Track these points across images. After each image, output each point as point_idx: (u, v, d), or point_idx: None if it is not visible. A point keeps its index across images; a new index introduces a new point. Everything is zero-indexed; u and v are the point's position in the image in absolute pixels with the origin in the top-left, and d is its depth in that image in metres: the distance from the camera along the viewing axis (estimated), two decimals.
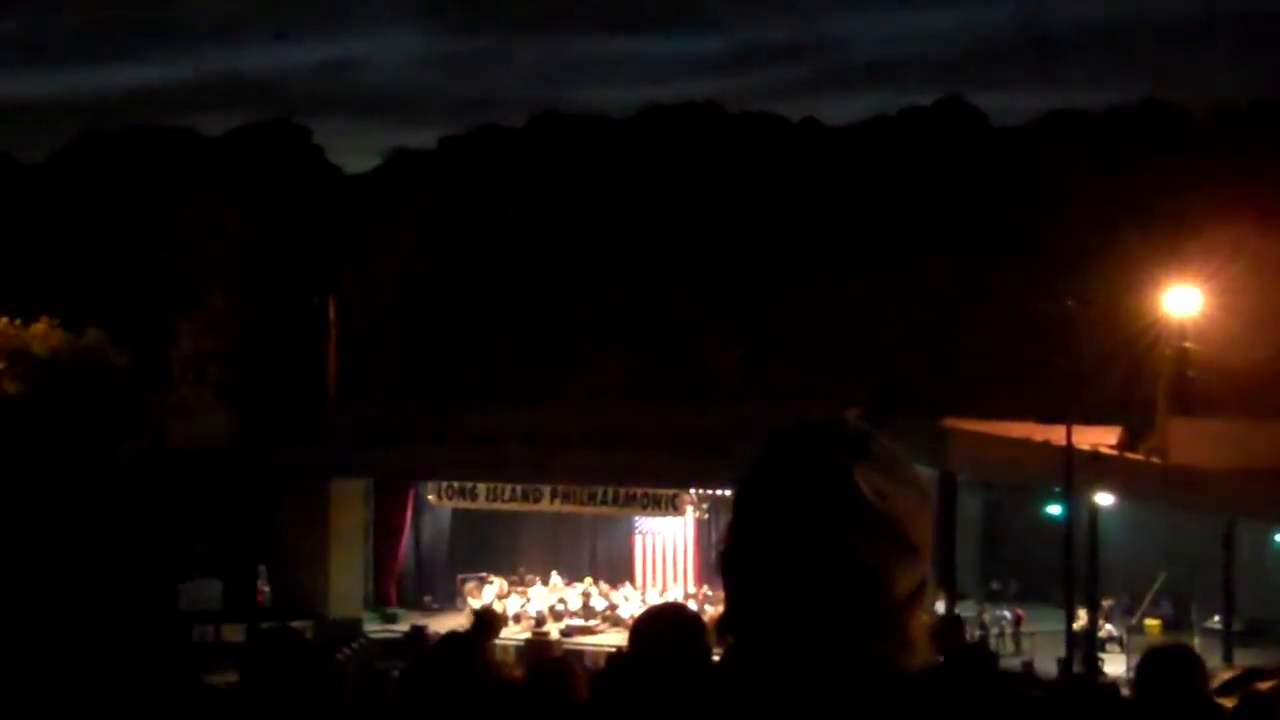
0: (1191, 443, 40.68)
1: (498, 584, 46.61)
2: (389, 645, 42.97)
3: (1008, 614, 41.72)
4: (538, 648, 39.49)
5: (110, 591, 40.86)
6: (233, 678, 6.13)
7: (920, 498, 2.33)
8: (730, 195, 55.92)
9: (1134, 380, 44.35)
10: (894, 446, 2.36)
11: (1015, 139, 57.27)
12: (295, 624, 26.88)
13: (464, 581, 47.27)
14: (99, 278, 55.54)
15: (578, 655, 32.57)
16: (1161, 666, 5.94)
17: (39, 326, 51.85)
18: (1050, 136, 55.36)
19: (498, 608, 44.65)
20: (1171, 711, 5.76)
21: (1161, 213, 48.24)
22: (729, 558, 2.37)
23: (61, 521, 44.09)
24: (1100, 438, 40.65)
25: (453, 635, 8.20)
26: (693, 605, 43.09)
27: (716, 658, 2.47)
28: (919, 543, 2.30)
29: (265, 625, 29.12)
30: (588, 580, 46.73)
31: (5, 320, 51.69)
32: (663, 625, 4.91)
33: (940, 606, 36.84)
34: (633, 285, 55.18)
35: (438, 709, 7.12)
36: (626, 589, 46.24)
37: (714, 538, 44.84)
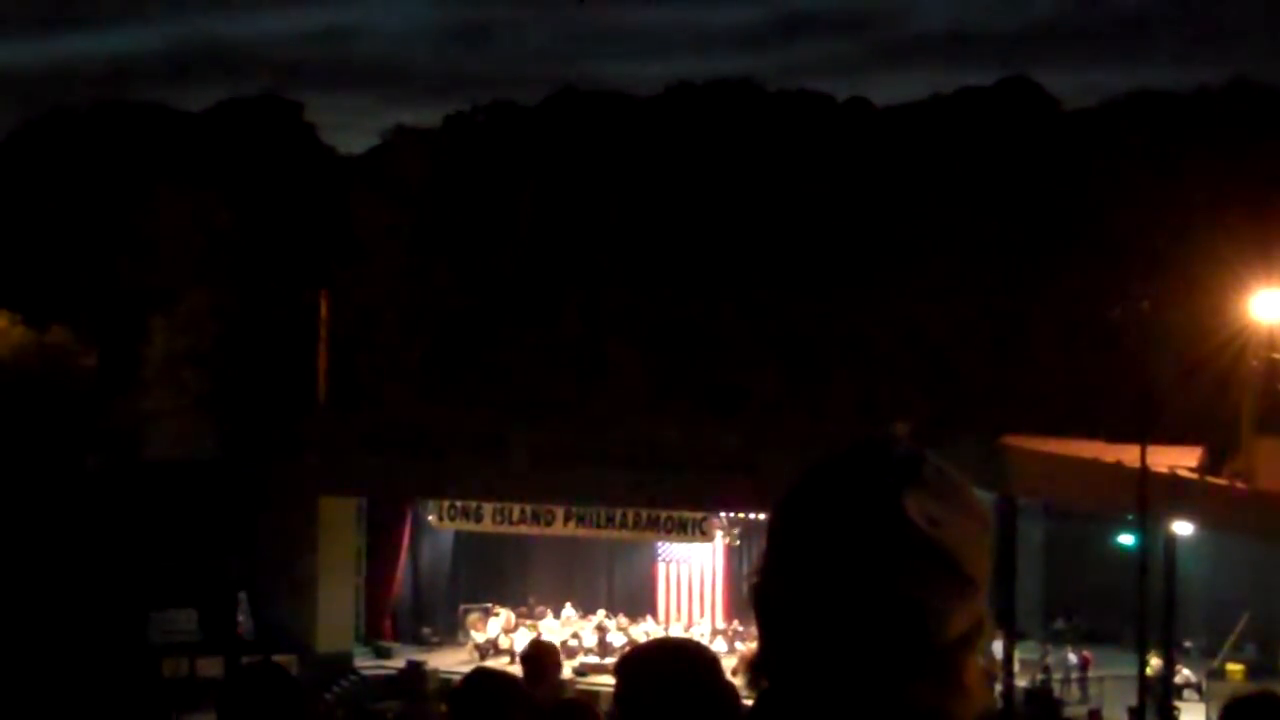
0: None
1: (504, 616, 46.64)
2: (383, 683, 43.06)
3: (1073, 656, 41.63)
4: None
5: (73, 620, 40.94)
6: (209, 718, 6.14)
7: (978, 526, 2.33)
8: (767, 183, 55.87)
9: (1217, 395, 44.22)
10: (948, 468, 2.36)
11: (1086, 123, 57.09)
12: (279, 658, 26.96)
13: (467, 613, 47.32)
14: (65, 270, 55.69)
15: (592, 697, 32.58)
16: (1248, 717, 5.89)
17: None
18: (1125, 120, 55.19)
19: (504, 642, 44.75)
20: None
21: (1250, 207, 48.08)
22: (762, 590, 2.37)
23: (20, 540, 44.18)
24: (1179, 459, 40.54)
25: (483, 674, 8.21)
26: (721, 642, 43.16)
27: (749, 702, 2.47)
28: (975, 576, 2.29)
29: (245, 660, 29.21)
30: (604, 613, 46.74)
31: None
32: (654, 668, 4.84)
33: (998, 648, 36.79)
34: (657, 283, 55.17)
35: None
36: (648, 623, 46.23)
37: (746, 567, 44.82)
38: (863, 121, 60.44)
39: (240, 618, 45.39)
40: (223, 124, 62.62)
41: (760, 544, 2.45)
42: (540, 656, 9.82)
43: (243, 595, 45.66)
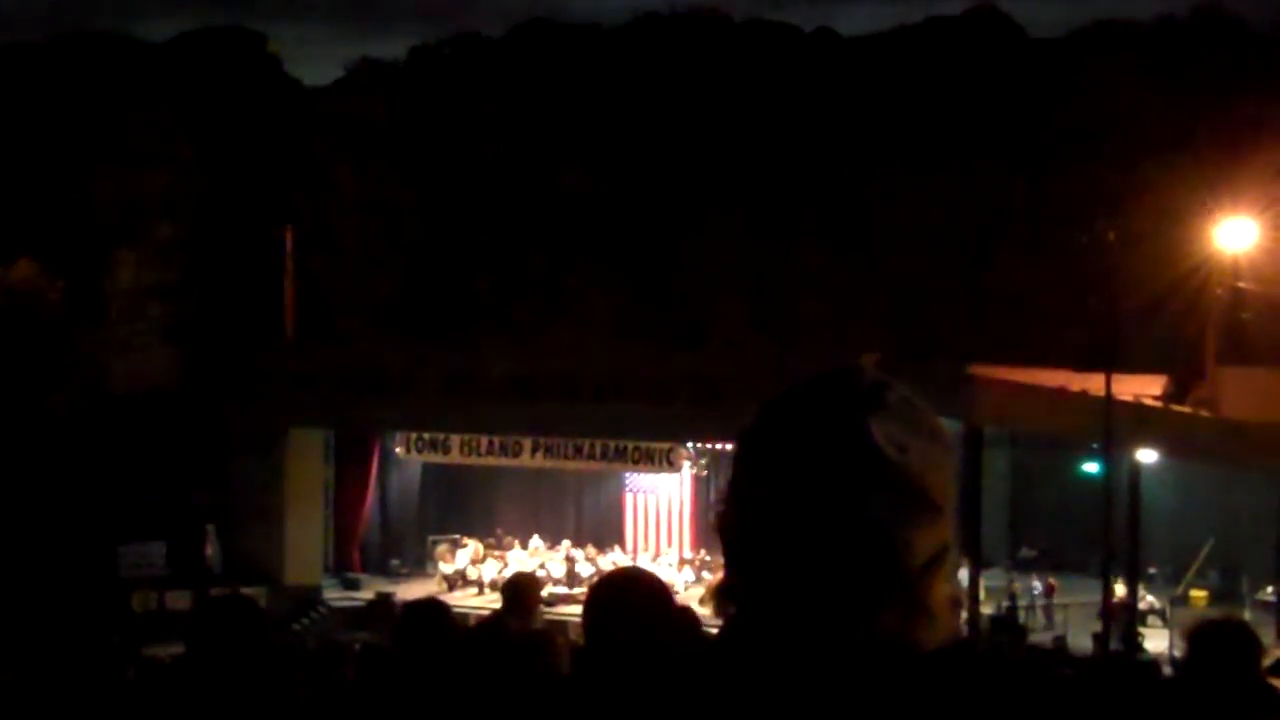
0: (1244, 394, 40.79)
1: (472, 547, 46.71)
2: (351, 615, 43.13)
3: (1038, 584, 41.88)
4: None
5: (40, 554, 40.89)
6: (178, 650, 6.14)
7: (943, 452, 2.33)
8: (734, 115, 55.75)
9: (1181, 324, 44.41)
10: (913, 396, 2.36)
11: (1053, 52, 57.03)
12: (247, 590, 26.97)
13: (435, 544, 47.38)
14: (28, 204, 55.33)
15: (560, 627, 32.67)
16: (1212, 642, 5.91)
17: None
18: (1092, 50, 55.13)
19: (472, 573, 44.88)
20: (1221, 693, 5.76)
21: (1215, 135, 48.15)
22: (728, 519, 2.36)
23: None
24: (1143, 387, 40.75)
25: (421, 605, 8.21)
26: (689, 571, 43.33)
27: (714, 630, 2.46)
28: (941, 502, 2.29)
29: (214, 592, 29.21)
30: (571, 543, 46.83)
31: None
32: (618, 594, 4.88)
33: (964, 576, 36.97)
34: (624, 215, 55.09)
35: (406, 684, 7.14)
36: (616, 553, 46.33)
37: (713, 497, 44.91)
38: (829, 52, 60.30)
39: (208, 550, 45.39)
40: (185, 55, 62.17)
41: (726, 474, 2.45)
42: (521, 588, 9.83)
43: (210, 528, 45.62)
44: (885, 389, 2.33)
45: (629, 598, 4.75)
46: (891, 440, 2.25)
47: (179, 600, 39.04)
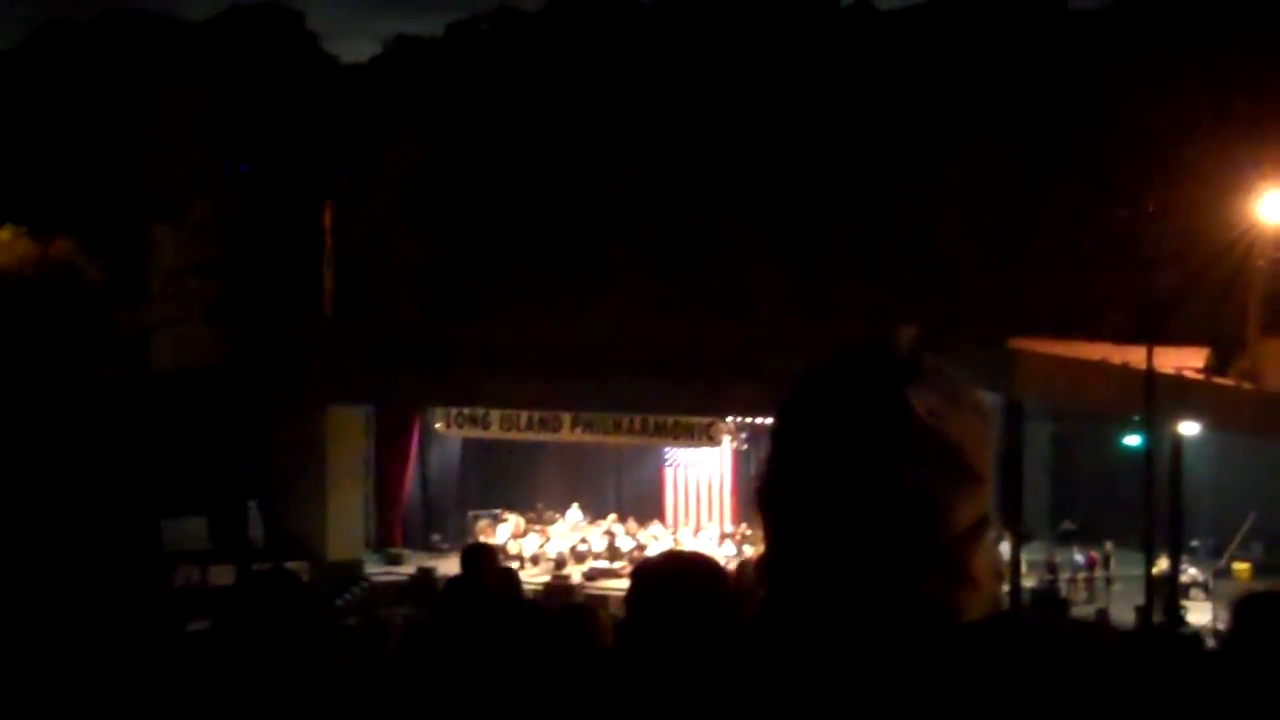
0: None
1: (513, 522, 46.82)
2: (393, 589, 43.28)
3: (1080, 557, 41.79)
4: (558, 592, 39.75)
5: (85, 529, 41.10)
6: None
7: (980, 420, 2.33)
8: (771, 88, 55.61)
9: (1223, 296, 44.14)
10: (950, 369, 2.36)
11: (1092, 23, 56.70)
12: (290, 565, 27.06)
13: (476, 519, 47.48)
14: (69, 182, 55.53)
15: (601, 601, 32.73)
16: (1256, 615, 5.88)
17: (3, 235, 51.96)
18: (1132, 20, 54.80)
19: (513, 548, 44.95)
20: (1266, 666, 5.73)
21: (1256, 106, 47.80)
22: (768, 491, 2.36)
23: (30, 453, 44.30)
24: (1185, 360, 40.52)
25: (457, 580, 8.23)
26: (730, 545, 43.33)
27: (756, 603, 2.46)
28: (979, 469, 2.29)
29: (256, 567, 29.32)
30: (613, 518, 46.91)
31: None
32: (664, 578, 4.90)
33: (1005, 548, 36.91)
34: (663, 190, 55.01)
35: (448, 658, 7.16)
36: (655, 527, 46.38)
37: (753, 471, 44.92)
38: (866, 26, 60.07)
39: (250, 526, 45.60)
40: (224, 33, 62.30)
41: (766, 448, 2.45)
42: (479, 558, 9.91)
43: (253, 503, 45.83)
44: (922, 360, 2.33)
45: (676, 579, 4.77)
46: (929, 410, 2.25)
47: (222, 575, 39.23)
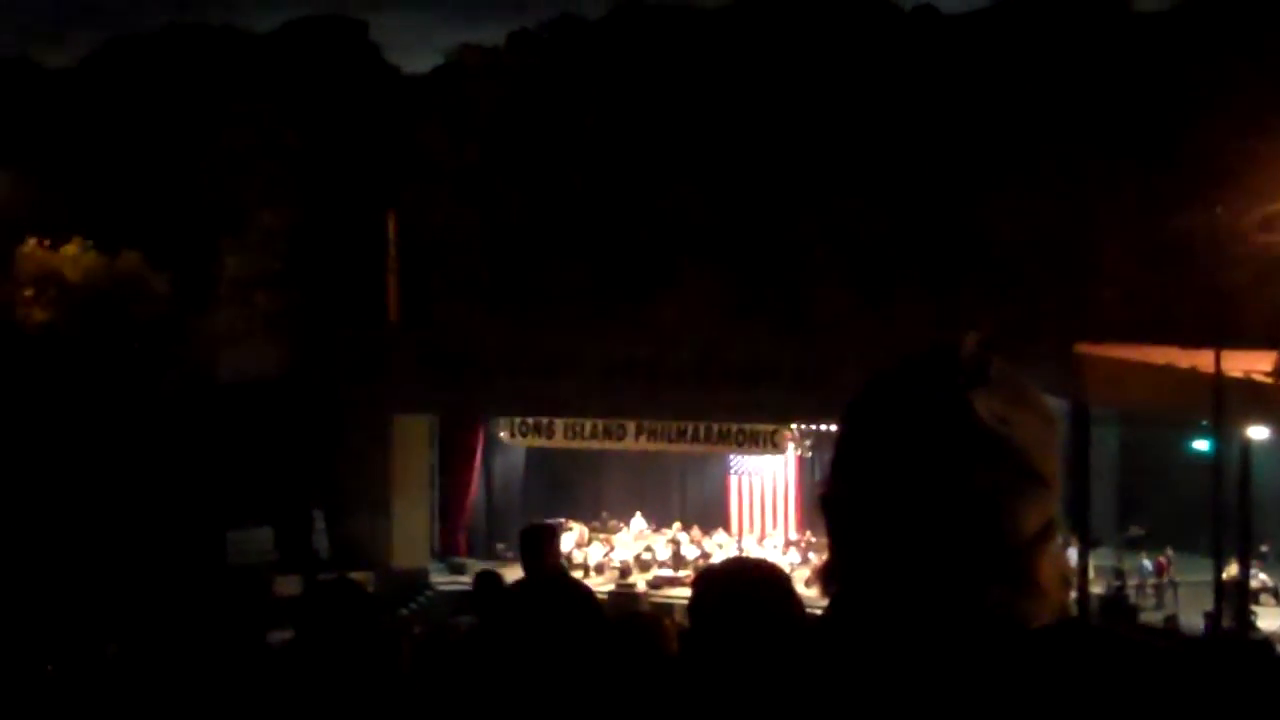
0: None
1: (577, 531, 46.86)
2: (457, 598, 43.39)
3: (1148, 563, 41.54)
4: (623, 601, 39.74)
5: (152, 540, 41.39)
6: (286, 635, 6.17)
7: (1046, 425, 2.31)
8: (834, 95, 55.53)
9: None
10: (1015, 371, 2.34)
11: (1157, 25, 56.39)
12: (355, 575, 27.18)
13: None
14: (135, 194, 55.94)
15: (666, 609, 32.73)
16: None
17: (70, 249, 52.34)
18: (1197, 21, 54.46)
19: (578, 557, 44.99)
20: None
21: None
22: (833, 498, 2.36)
23: (97, 463, 44.63)
24: (1254, 363, 40.15)
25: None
26: (794, 553, 43.26)
27: (819, 611, 2.45)
28: (1046, 475, 2.28)
29: (322, 577, 29.44)
30: (677, 526, 46.89)
31: (34, 242, 52.21)
32: (726, 585, 4.88)
33: (1073, 554, 36.72)
34: (726, 198, 54.99)
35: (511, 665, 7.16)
36: (720, 536, 46.36)
37: (817, 477, 44.87)
38: (930, 29, 59.91)
39: (315, 536, 45.79)
40: (289, 45, 62.65)
41: (831, 455, 2.44)
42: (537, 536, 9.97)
43: (318, 513, 46.03)
44: (987, 364, 2.32)
45: (737, 587, 4.75)
46: (995, 414, 2.24)
47: (287, 585, 39.42)
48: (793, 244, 54.02)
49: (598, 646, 5.77)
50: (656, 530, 47.40)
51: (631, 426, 45.85)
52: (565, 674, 6.73)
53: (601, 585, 43.10)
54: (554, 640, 7.25)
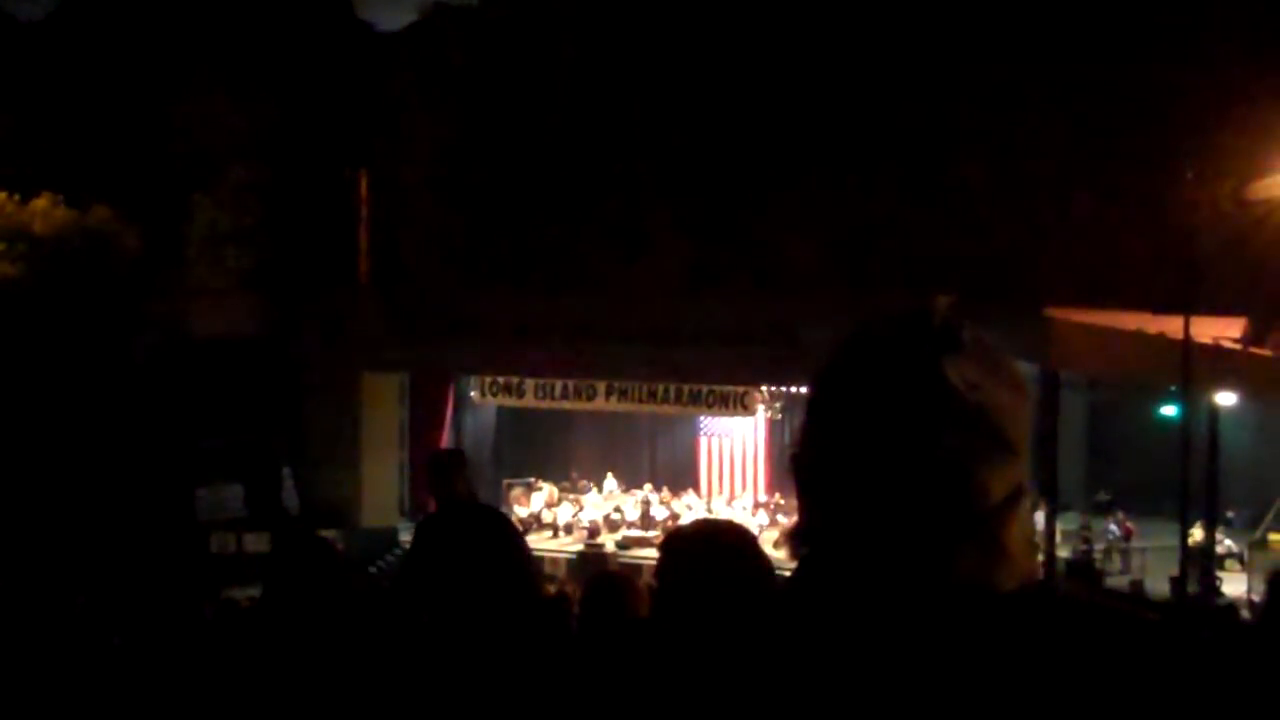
0: None
1: (547, 490, 46.93)
2: None
3: (1115, 528, 41.68)
4: (592, 561, 39.84)
5: (121, 497, 41.32)
6: (255, 592, 6.18)
7: (1017, 392, 2.32)
8: (806, 55, 55.41)
9: (1262, 265, 43.90)
10: (986, 337, 2.35)
11: None
12: (325, 533, 27.18)
13: (510, 487, 47.59)
14: (106, 149, 55.66)
15: (635, 569, 32.79)
16: None
17: (40, 203, 52.04)
18: None
19: (547, 517, 45.06)
20: None
21: None
22: (802, 461, 2.36)
23: (66, 419, 44.51)
24: (1223, 330, 40.28)
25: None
26: (763, 515, 43.35)
27: (788, 573, 2.46)
28: (1016, 441, 2.29)
29: (290, 534, 29.42)
30: (647, 487, 46.94)
31: (3, 196, 51.91)
32: (693, 546, 4.87)
33: (1040, 518, 36.85)
34: (699, 158, 54.91)
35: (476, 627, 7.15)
36: (690, 497, 46.43)
37: (787, 440, 44.92)
38: None
39: (285, 494, 45.74)
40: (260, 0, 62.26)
41: (801, 417, 2.45)
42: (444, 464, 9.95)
43: (287, 471, 45.96)
44: (959, 329, 2.32)
45: (704, 547, 4.74)
46: (965, 380, 2.25)
47: (257, 542, 39.39)
48: (765, 205, 53.97)
49: (517, 569, 5.75)
50: (626, 491, 47.46)
51: (602, 387, 45.87)
52: (536, 631, 6.73)
53: (570, 546, 43.25)
54: (473, 563, 7.24)
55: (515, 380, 46.89)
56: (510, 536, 5.13)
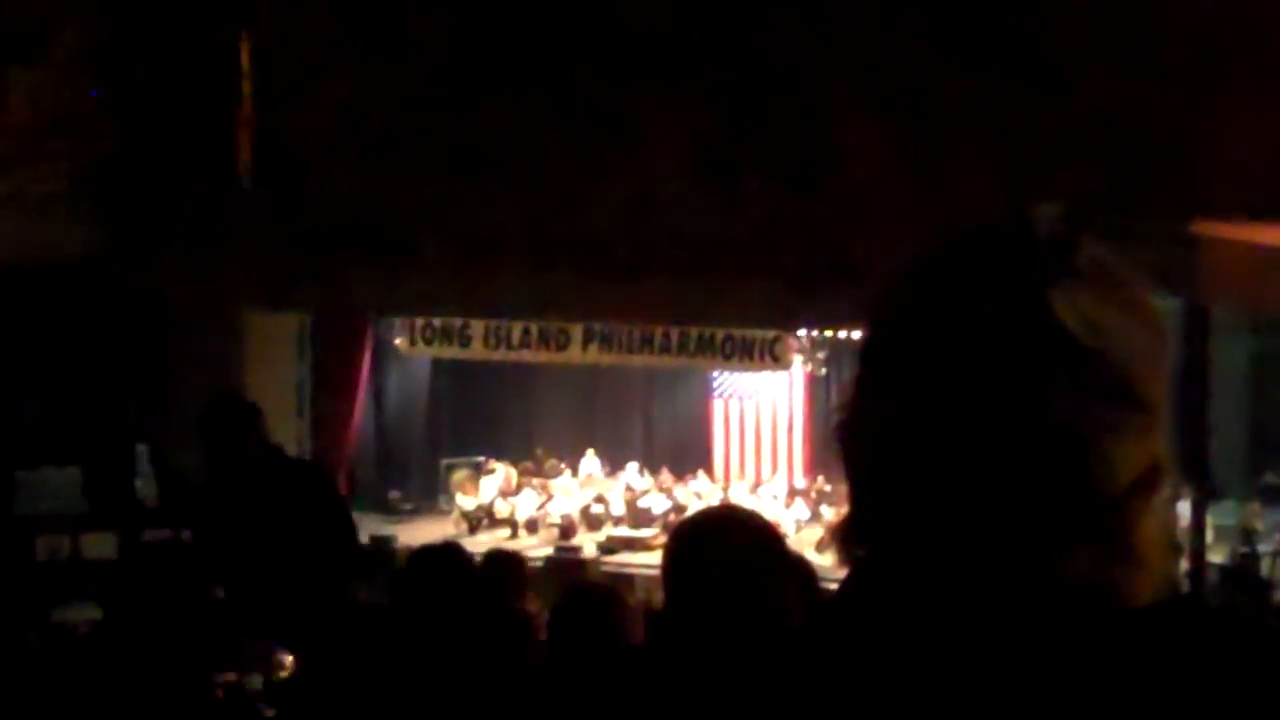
0: None
1: (502, 473, 46.95)
2: None
3: None
4: (564, 569, 39.87)
5: None
6: (95, 614, 6.18)
7: (1153, 334, 2.33)
8: None
9: None
10: (1111, 258, 2.36)
11: None
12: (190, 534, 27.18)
13: (451, 470, 47.67)
14: None
15: (625, 581, 32.85)
16: None
17: None
18: None
19: (502, 509, 45.16)
20: None
21: None
22: (855, 427, 2.37)
23: None
24: None
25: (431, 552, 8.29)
26: (802, 506, 43.48)
27: (836, 584, 2.48)
28: (1151, 402, 2.29)
29: (148, 535, 29.59)
30: (638, 468, 47.00)
31: None
32: (708, 543, 4.90)
33: (1184, 509, 37.00)
34: (704, 11, 54.89)
35: (412, 653, 7.21)
36: (699, 482, 46.49)
37: (834, 403, 44.98)
38: None
39: (139, 479, 45.78)
40: None
41: (852, 370, 2.46)
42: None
43: (142, 448, 45.98)
44: (1073, 248, 2.33)
45: (722, 546, 4.76)
46: (1082, 318, 2.25)
47: (99, 545, 39.46)
48: (797, 77, 53.97)
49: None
50: (611, 474, 47.48)
51: (578, 331, 45.62)
52: (484, 666, 6.79)
53: (536, 548, 43.11)
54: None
55: (457, 323, 46.65)
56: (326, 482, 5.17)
